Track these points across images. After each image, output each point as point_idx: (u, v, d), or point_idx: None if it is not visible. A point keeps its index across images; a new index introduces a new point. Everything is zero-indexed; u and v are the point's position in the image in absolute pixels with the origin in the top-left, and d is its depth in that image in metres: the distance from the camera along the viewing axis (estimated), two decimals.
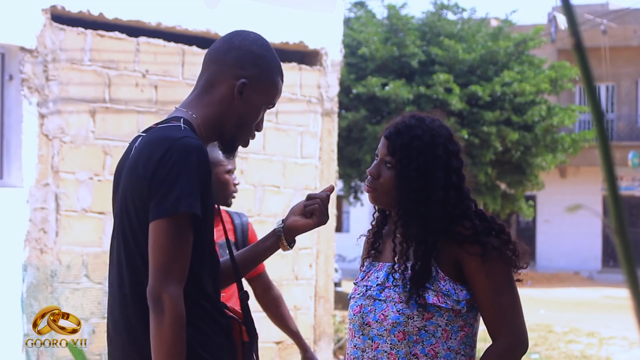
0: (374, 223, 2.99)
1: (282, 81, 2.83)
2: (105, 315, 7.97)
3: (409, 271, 2.79)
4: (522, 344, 2.77)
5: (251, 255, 2.90)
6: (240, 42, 2.77)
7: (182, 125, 2.67)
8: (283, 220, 2.91)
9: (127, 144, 2.83)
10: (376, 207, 2.99)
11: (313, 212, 2.86)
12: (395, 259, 2.84)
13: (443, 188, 2.81)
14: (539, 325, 15.86)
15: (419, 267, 2.76)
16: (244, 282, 3.79)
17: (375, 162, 2.89)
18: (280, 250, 2.92)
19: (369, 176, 2.87)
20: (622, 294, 23.40)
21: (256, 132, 2.82)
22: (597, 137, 0.93)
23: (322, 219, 2.87)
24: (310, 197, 2.88)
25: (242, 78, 2.73)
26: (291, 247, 2.92)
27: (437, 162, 2.81)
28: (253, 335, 2.75)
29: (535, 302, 19.30)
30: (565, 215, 30.46)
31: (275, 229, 2.91)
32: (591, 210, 27.20)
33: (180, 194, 2.55)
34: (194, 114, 2.73)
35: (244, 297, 2.81)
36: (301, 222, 2.87)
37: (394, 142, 2.83)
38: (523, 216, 19.47)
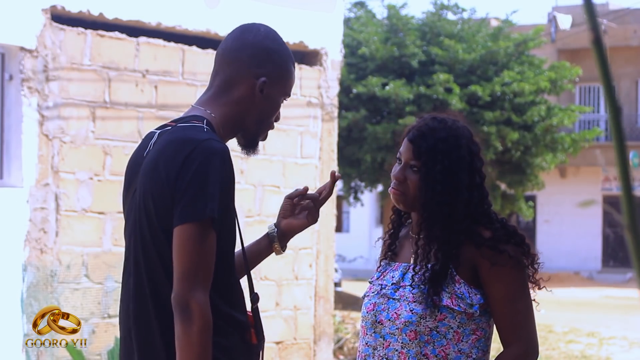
0: (390, 225, 2.99)
1: (294, 67, 2.80)
2: (105, 316, 7.95)
3: (428, 271, 2.78)
4: (533, 352, 2.80)
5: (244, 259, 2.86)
6: (253, 39, 2.71)
7: (205, 126, 2.62)
8: (275, 225, 2.88)
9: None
10: (392, 209, 2.98)
11: (306, 209, 2.86)
12: (418, 260, 2.83)
13: (467, 188, 2.82)
14: (539, 325, 15.81)
15: (440, 268, 2.77)
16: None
17: (398, 165, 2.87)
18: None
19: (395, 180, 2.85)
20: (622, 294, 23.40)
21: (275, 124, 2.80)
22: (613, 133, 0.92)
23: (315, 217, 2.87)
24: (292, 197, 2.87)
25: (262, 76, 2.68)
26: (283, 251, 2.90)
27: (461, 163, 2.82)
28: (261, 338, 2.71)
29: (535, 302, 19.25)
30: (565, 215, 30.46)
31: (268, 233, 2.88)
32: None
33: (206, 198, 2.50)
34: (212, 112, 2.67)
35: (254, 299, 2.75)
36: (295, 223, 2.87)
37: (418, 146, 2.83)
38: (523, 216, 19.46)
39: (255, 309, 2.72)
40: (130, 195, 2.68)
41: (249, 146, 2.75)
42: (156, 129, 2.73)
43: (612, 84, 0.96)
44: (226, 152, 2.56)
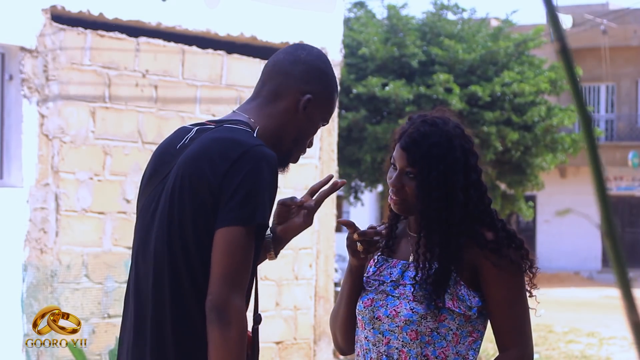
0: (387, 222, 2.99)
1: (337, 96, 2.82)
2: (105, 316, 7.95)
3: (431, 272, 2.79)
4: (529, 356, 2.82)
5: None
6: (306, 57, 2.75)
7: (255, 133, 2.62)
8: (271, 230, 2.82)
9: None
10: (389, 208, 2.97)
11: (306, 209, 2.81)
12: (419, 260, 2.83)
13: (464, 189, 2.81)
14: (539, 325, 15.86)
15: (443, 270, 2.78)
16: None
17: (393, 172, 2.86)
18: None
19: (392, 188, 2.85)
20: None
21: (307, 149, 2.80)
22: (585, 140, 0.93)
23: (312, 219, 2.84)
24: (287, 203, 2.81)
25: (308, 93, 2.71)
26: (276, 257, 2.86)
27: (456, 164, 2.81)
28: (256, 358, 2.69)
29: (534, 308, 19.27)
30: (565, 215, 30.43)
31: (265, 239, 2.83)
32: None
33: (257, 203, 2.50)
34: (256, 122, 2.67)
35: (257, 320, 2.72)
36: (290, 227, 2.82)
37: (412, 153, 2.81)
38: (523, 216, 19.48)
39: (255, 330, 2.69)
40: (153, 184, 2.65)
41: (280, 164, 2.70)
42: (191, 125, 2.72)
43: (580, 93, 0.97)
44: (275, 160, 2.57)
